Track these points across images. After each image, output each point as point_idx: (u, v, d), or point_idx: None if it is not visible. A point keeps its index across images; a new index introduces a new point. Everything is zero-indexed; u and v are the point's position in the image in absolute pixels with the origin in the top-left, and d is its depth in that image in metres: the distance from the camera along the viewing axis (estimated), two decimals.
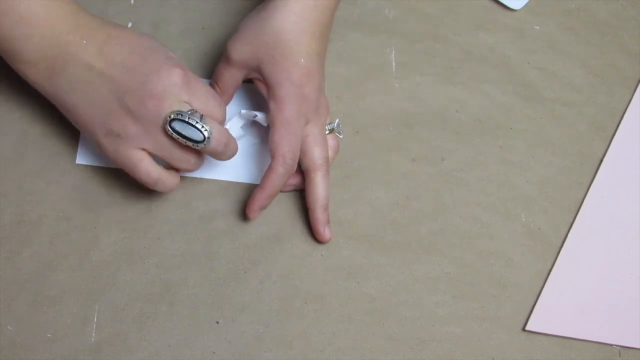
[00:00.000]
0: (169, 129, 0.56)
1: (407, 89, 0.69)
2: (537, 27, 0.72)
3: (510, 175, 0.66)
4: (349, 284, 0.62)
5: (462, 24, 0.72)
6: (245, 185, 0.64)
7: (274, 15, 0.60)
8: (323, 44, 0.62)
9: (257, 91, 0.63)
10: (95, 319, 0.60)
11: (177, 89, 0.56)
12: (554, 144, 0.68)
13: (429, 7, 0.72)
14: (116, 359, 0.59)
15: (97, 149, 0.60)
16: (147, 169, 0.58)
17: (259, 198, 0.60)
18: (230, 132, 0.63)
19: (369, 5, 0.71)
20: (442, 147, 0.67)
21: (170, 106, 0.56)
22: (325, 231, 0.62)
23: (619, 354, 0.61)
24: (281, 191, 0.63)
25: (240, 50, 0.61)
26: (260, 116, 0.62)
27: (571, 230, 0.65)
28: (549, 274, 0.63)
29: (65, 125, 0.64)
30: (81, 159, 0.64)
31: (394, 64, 0.70)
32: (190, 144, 0.56)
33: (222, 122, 0.60)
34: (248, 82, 0.63)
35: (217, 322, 0.60)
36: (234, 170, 0.64)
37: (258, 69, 0.61)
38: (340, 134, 0.64)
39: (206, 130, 0.56)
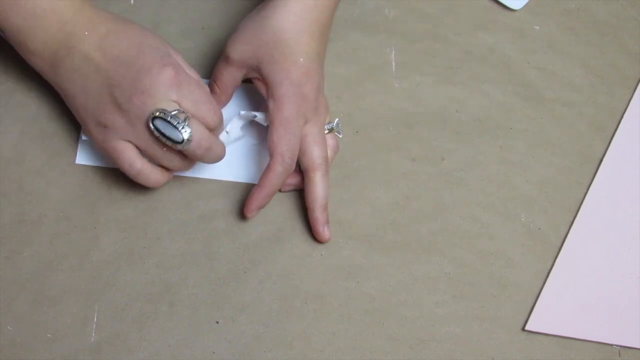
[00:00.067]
0: (152, 126, 0.56)
1: (407, 89, 0.69)
2: (537, 27, 0.72)
3: (510, 175, 0.66)
4: (349, 284, 0.62)
5: (462, 24, 0.72)
6: (245, 185, 0.64)
7: (273, 15, 0.60)
8: (323, 44, 0.62)
9: (256, 91, 0.63)
10: (95, 319, 0.60)
11: (165, 88, 0.57)
12: (554, 144, 0.68)
13: (429, 7, 0.72)
14: (116, 359, 0.59)
15: (89, 137, 0.61)
16: (130, 160, 0.59)
17: (257, 197, 0.61)
18: (231, 133, 0.63)
19: (369, 5, 0.71)
20: (442, 147, 0.67)
21: (156, 104, 0.56)
22: (324, 231, 0.62)
23: (619, 354, 0.61)
24: (280, 191, 0.63)
25: (240, 50, 0.61)
26: (259, 116, 0.62)
27: (571, 230, 0.65)
28: (549, 274, 0.63)
29: (65, 125, 0.64)
30: (81, 158, 0.64)
31: (394, 64, 0.70)
32: (169, 143, 0.57)
33: (216, 127, 0.60)
34: (247, 81, 0.63)
35: (217, 322, 0.60)
36: (234, 170, 0.64)
37: (257, 69, 0.61)
38: (339, 133, 0.64)
39: (186, 132, 0.56)
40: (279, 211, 0.64)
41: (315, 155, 0.61)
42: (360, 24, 0.71)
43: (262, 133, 0.65)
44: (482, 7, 0.72)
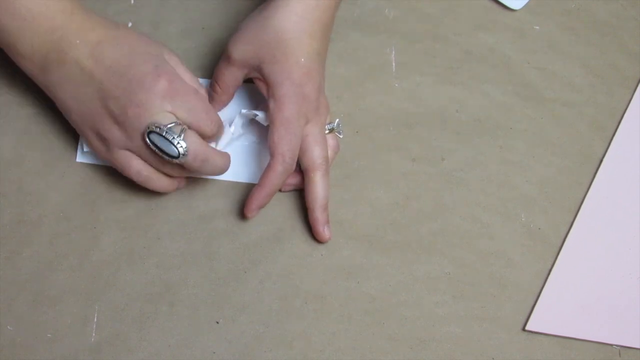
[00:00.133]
0: (148, 140, 0.56)
1: (407, 89, 0.69)
2: (537, 27, 0.72)
3: (510, 175, 0.66)
4: (349, 284, 0.62)
5: (462, 24, 0.72)
6: (245, 185, 0.64)
7: (275, 15, 0.60)
8: (324, 44, 0.62)
9: (257, 90, 0.63)
10: (95, 319, 0.60)
11: (160, 100, 0.56)
12: (554, 144, 0.68)
13: (429, 7, 0.72)
14: (116, 359, 0.59)
15: (90, 149, 0.61)
16: (137, 167, 0.59)
17: (258, 197, 0.60)
18: (232, 133, 0.63)
19: (369, 5, 0.71)
20: (442, 147, 0.67)
21: (152, 117, 0.56)
22: (324, 231, 0.62)
23: (619, 354, 0.61)
24: (280, 191, 0.63)
25: (242, 50, 0.61)
26: (260, 115, 0.62)
27: (571, 230, 0.65)
28: (549, 274, 0.63)
29: (65, 125, 0.64)
30: (81, 157, 0.64)
31: (394, 64, 0.70)
32: (166, 157, 0.57)
33: (214, 134, 0.60)
34: (248, 81, 0.63)
35: (217, 322, 0.60)
36: (234, 170, 0.64)
37: (259, 69, 0.61)
38: (340, 133, 0.64)
39: (181, 146, 0.56)
40: (279, 211, 0.64)
41: (315, 155, 0.61)
42: (360, 24, 0.71)
43: (262, 131, 0.65)
44: (482, 7, 0.72)
